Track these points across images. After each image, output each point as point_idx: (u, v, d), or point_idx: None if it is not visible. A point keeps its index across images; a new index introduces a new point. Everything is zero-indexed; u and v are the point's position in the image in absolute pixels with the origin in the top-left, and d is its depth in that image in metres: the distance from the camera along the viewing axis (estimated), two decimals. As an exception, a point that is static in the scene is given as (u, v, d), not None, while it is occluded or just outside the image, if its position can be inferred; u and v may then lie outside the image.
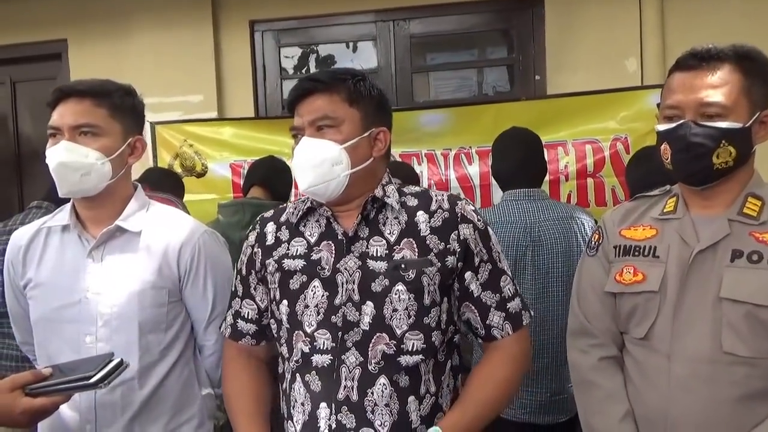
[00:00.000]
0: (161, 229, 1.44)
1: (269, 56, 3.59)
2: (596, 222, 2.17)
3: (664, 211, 1.33)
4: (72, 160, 1.32)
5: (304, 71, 3.73)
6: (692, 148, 1.21)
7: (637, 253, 1.31)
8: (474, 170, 3.06)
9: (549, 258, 2.00)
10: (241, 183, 3.12)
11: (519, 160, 2.11)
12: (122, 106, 1.40)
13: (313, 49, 3.71)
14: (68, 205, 1.44)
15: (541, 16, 3.27)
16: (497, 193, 2.59)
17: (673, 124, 1.23)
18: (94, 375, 1.16)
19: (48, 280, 1.40)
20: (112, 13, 3.54)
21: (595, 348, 1.36)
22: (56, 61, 3.71)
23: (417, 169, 3.00)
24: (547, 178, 2.28)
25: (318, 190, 1.23)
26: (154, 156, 3.31)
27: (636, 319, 1.30)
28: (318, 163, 1.21)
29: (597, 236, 1.42)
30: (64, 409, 1.35)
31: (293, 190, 2.68)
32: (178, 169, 3.25)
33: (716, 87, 1.20)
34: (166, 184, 2.60)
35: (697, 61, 1.23)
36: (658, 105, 3.02)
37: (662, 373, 1.23)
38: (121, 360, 1.21)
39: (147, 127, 3.28)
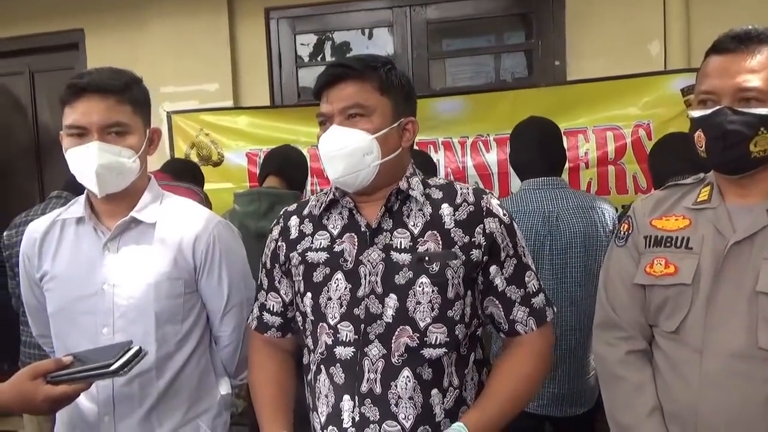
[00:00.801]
0: (176, 221, 1.43)
1: (284, 44, 3.57)
2: (617, 211, 2.14)
3: (698, 200, 1.27)
4: (109, 161, 1.32)
5: (319, 59, 3.70)
6: (729, 135, 1.15)
7: (668, 244, 1.26)
8: (492, 158, 3.02)
9: (567, 248, 1.97)
10: (257, 172, 3.14)
11: (537, 149, 2.07)
12: (140, 99, 1.40)
13: (329, 36, 3.68)
14: (82, 197, 1.44)
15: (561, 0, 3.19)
16: (515, 182, 2.55)
17: (709, 111, 1.18)
18: (114, 363, 1.17)
19: (64, 272, 1.41)
20: (128, 2, 3.54)
21: (622, 341, 1.32)
22: (73, 51, 3.73)
23: (434, 157, 2.97)
24: (566, 165, 2.24)
25: (348, 180, 1.22)
26: (171, 145, 3.32)
27: (666, 312, 1.25)
28: (349, 153, 1.19)
29: (626, 226, 1.37)
30: (83, 402, 1.37)
31: (309, 178, 2.67)
32: (195, 159, 3.27)
33: (755, 71, 1.14)
34: (187, 175, 2.61)
35: (736, 43, 1.17)
36: (682, 90, 2.96)
37: (693, 368, 1.19)
38: (140, 348, 1.22)
39: (163, 116, 3.30)
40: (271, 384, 1.33)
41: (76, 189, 2.19)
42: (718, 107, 1.16)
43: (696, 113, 1.21)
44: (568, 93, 2.99)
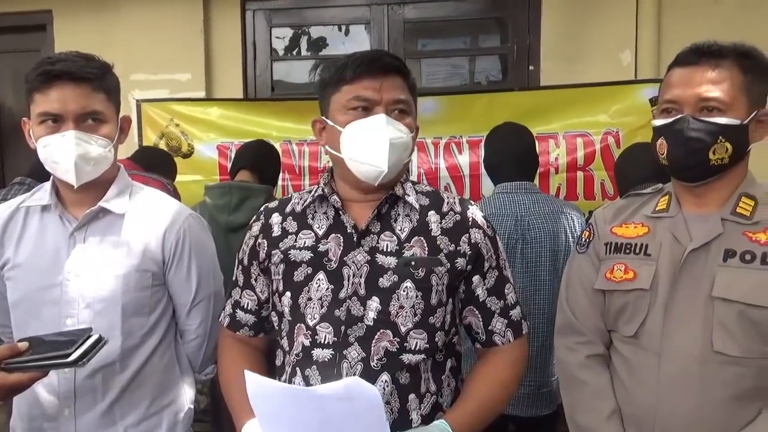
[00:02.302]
0: (146, 212, 1.41)
1: (260, 37, 3.53)
2: (585, 216, 2.18)
3: (657, 209, 1.32)
4: (86, 151, 1.29)
5: (294, 53, 3.68)
6: (689, 142, 1.20)
7: (628, 251, 1.31)
8: (464, 160, 3.04)
9: (537, 251, 2.00)
10: (228, 165, 3.10)
11: (511, 154, 2.11)
12: (113, 87, 1.37)
13: (305, 30, 3.66)
14: (47, 184, 1.40)
15: (538, 6, 3.23)
16: (486, 184, 2.59)
17: (671, 119, 1.23)
18: (73, 352, 1.12)
19: (27, 261, 1.37)
20: (100, -15, 3.46)
21: (582, 345, 1.35)
22: (40, 32, 3.62)
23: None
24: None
25: (392, 170, 1.20)
26: (140, 135, 3.26)
27: (625, 317, 1.29)
28: (401, 144, 1.20)
29: (588, 233, 1.42)
30: (42, 393, 1.34)
31: (281, 174, 2.65)
32: (164, 149, 3.20)
33: (716, 83, 1.20)
34: (159, 165, 2.56)
35: (698, 56, 1.22)
36: (651, 100, 3.03)
37: (652, 372, 1.23)
38: (100, 336, 1.18)
39: (133, 104, 3.23)
40: (242, 380, 1.31)
41: (41, 176, 2.13)
42: (680, 115, 1.21)
43: (659, 122, 1.26)
44: (541, 98, 3.03)
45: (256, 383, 1.06)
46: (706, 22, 2.95)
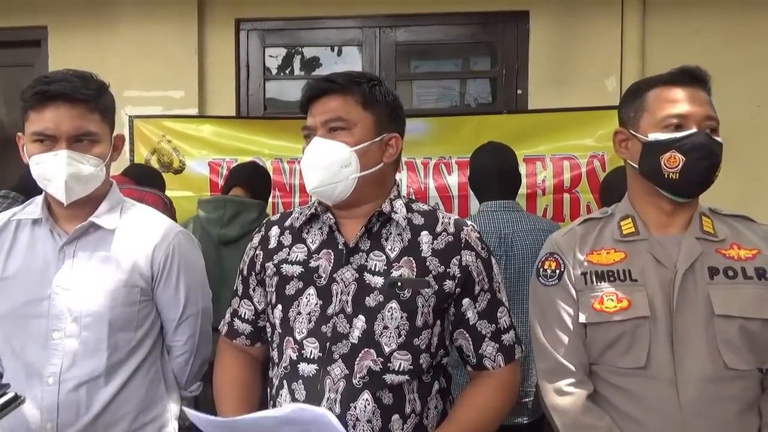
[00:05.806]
0: (136, 228, 1.42)
1: (253, 56, 3.57)
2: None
3: (625, 233, 1.29)
4: (78, 170, 1.30)
5: (287, 72, 3.72)
6: (711, 157, 1.21)
7: (612, 278, 1.26)
8: (453, 180, 3.08)
9: (520, 268, 2.04)
10: (219, 181, 3.13)
11: (495, 173, 2.17)
12: (108, 107, 1.39)
13: (298, 50, 3.70)
14: (39, 198, 1.41)
15: (526, 32, 3.31)
16: (474, 204, 2.62)
17: (686, 132, 1.21)
18: None
19: (17, 273, 1.37)
20: (96, 2, 3.49)
21: (576, 386, 1.26)
22: (35, 48, 3.63)
23: (396, 177, 3.00)
24: (524, 191, 2.32)
25: (325, 192, 1.22)
26: (131, 150, 3.27)
27: (620, 348, 1.23)
28: (327, 165, 1.20)
29: (554, 264, 1.33)
30: (25, 407, 1.32)
31: (272, 191, 2.69)
32: (156, 165, 3.22)
33: (710, 103, 1.25)
34: (150, 181, 2.60)
35: (691, 78, 1.26)
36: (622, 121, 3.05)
37: (670, 400, 1.18)
38: (16, 395, 1.12)
39: (125, 120, 3.25)
40: (234, 381, 1.31)
41: (26, 191, 2.14)
42: (695, 130, 1.21)
43: (664, 135, 1.22)
44: (529, 121, 3.09)
45: (199, 420, 1.08)
46: (688, 51, 3.03)
